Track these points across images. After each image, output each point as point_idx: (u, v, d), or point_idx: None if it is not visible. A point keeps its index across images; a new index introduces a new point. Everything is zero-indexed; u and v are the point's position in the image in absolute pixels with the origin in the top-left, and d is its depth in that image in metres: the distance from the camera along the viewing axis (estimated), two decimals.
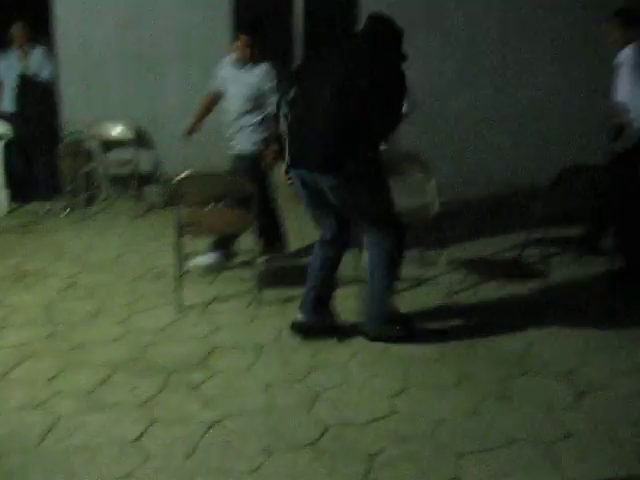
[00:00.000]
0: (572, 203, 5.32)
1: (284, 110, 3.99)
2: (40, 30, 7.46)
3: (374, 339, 4.09)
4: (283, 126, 4.01)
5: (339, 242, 4.15)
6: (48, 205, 7.21)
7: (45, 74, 7.31)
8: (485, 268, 5.35)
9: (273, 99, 4.66)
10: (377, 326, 4.09)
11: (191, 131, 5.46)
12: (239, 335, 4.20)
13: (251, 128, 5.11)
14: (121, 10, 7.39)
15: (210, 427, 3.18)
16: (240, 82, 5.05)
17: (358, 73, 3.78)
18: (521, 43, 7.60)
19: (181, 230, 4.55)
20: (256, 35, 4.97)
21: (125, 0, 7.38)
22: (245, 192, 4.54)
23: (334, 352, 3.98)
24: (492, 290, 4.92)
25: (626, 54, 4.97)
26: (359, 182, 3.81)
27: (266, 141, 5.07)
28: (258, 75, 5.02)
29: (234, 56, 5.06)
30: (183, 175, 4.44)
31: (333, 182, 3.79)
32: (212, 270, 5.19)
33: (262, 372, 3.73)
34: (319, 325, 4.17)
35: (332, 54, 3.97)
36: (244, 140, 5.15)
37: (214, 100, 5.37)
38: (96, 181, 7.53)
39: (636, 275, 5.07)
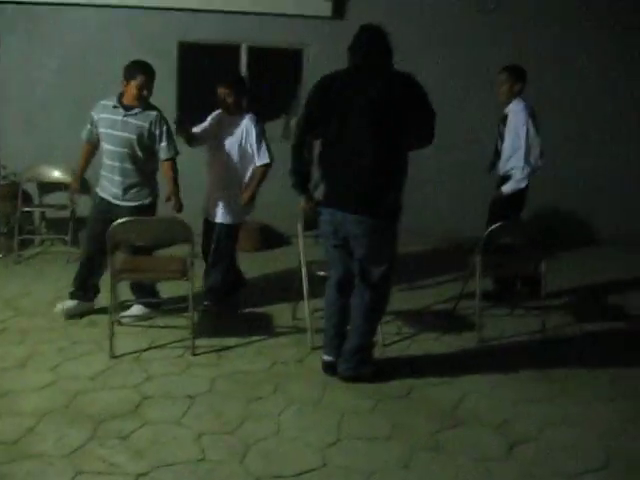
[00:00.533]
0: (506, 257, 5.46)
1: (304, 149, 4.08)
2: None
3: (350, 378, 4.18)
4: (301, 164, 4.11)
5: (350, 285, 4.20)
6: None
7: None
8: (419, 320, 5.40)
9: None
10: (358, 365, 4.18)
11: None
12: (171, 384, 4.12)
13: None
14: (65, 53, 7.37)
15: (137, 479, 3.11)
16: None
17: (391, 102, 3.82)
18: (465, 96, 7.82)
19: (116, 276, 4.50)
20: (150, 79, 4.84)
21: (69, 44, 7.37)
22: (184, 236, 4.52)
23: (267, 403, 3.95)
24: (426, 342, 4.97)
25: (513, 107, 5.26)
26: (390, 225, 3.97)
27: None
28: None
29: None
30: (119, 221, 4.40)
31: (367, 223, 3.89)
32: (143, 319, 5.13)
33: (193, 423, 3.66)
34: None
35: (353, 86, 3.89)
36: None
37: None
38: (32, 224, 7.39)
39: (501, 297, 5.64)
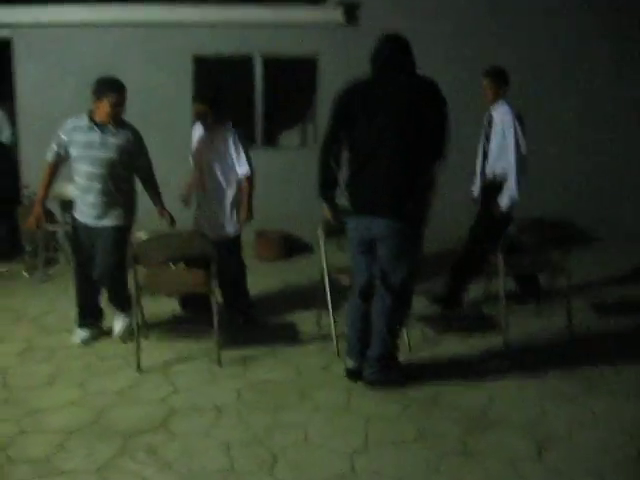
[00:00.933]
0: (531, 257, 5.43)
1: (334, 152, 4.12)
2: (1, 91, 7.50)
3: (376, 383, 4.19)
4: (329, 173, 4.15)
5: (370, 293, 4.23)
6: (7, 266, 7.14)
7: (5, 136, 7.33)
8: (443, 324, 5.38)
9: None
10: (382, 370, 4.19)
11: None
12: (198, 396, 4.14)
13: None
14: (81, 74, 7.44)
15: None
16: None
17: (420, 110, 3.88)
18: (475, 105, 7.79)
19: (140, 291, 4.53)
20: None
21: (87, 64, 7.45)
22: (205, 252, 4.55)
23: (294, 411, 3.95)
24: (451, 345, 4.95)
25: (499, 108, 5.30)
26: (415, 230, 4.02)
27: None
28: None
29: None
30: (141, 237, 4.44)
31: (394, 226, 3.93)
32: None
33: (221, 434, 3.68)
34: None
35: (376, 96, 3.94)
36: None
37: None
38: (56, 242, 7.47)
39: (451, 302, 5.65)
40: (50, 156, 4.79)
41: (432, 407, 4.00)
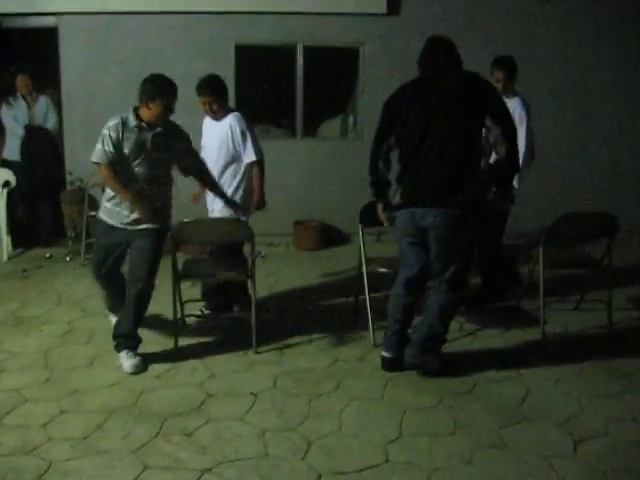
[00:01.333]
0: (571, 252, 5.37)
1: (382, 154, 4.22)
2: (47, 80, 7.62)
3: (416, 366, 4.26)
4: (382, 170, 4.25)
5: (419, 285, 4.32)
6: (50, 251, 7.28)
7: (50, 124, 7.45)
8: (482, 316, 5.34)
9: None
10: (424, 354, 4.24)
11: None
12: (234, 382, 4.18)
13: None
14: (126, 61, 7.54)
15: (202, 474, 3.17)
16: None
17: (468, 103, 3.99)
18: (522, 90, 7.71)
19: (179, 277, 4.58)
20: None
21: (129, 51, 7.55)
22: (245, 236, 4.59)
23: (329, 399, 3.97)
24: (489, 338, 4.92)
25: (512, 99, 5.24)
26: (467, 215, 4.07)
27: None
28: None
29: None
30: (181, 222, 4.48)
31: (447, 214, 4.00)
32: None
33: (256, 420, 3.71)
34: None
35: (428, 92, 4.04)
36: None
37: None
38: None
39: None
40: (100, 157, 4.26)
41: (468, 399, 3.99)
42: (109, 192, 4.44)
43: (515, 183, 5.10)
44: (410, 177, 4.13)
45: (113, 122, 4.26)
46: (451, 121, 3.98)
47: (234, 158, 4.99)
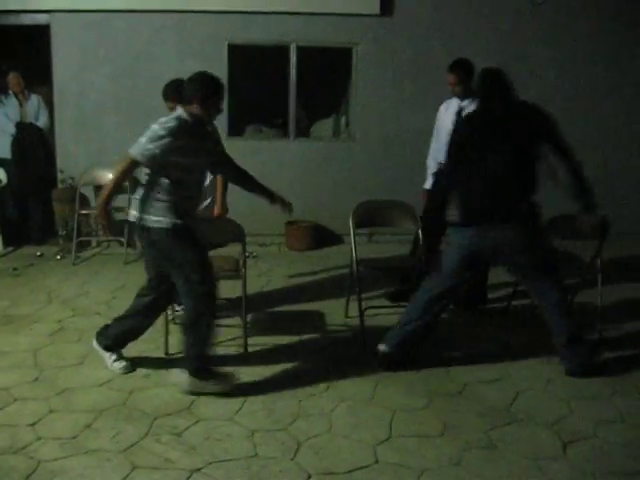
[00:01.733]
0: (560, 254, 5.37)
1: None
2: (38, 78, 7.60)
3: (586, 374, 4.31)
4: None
5: (449, 300, 4.43)
6: (41, 249, 7.26)
7: (42, 121, 7.43)
8: (472, 318, 5.35)
9: None
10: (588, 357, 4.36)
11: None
12: None
13: None
14: (118, 59, 7.53)
15: (191, 474, 3.16)
16: None
17: (530, 131, 4.19)
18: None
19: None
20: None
21: (122, 50, 7.53)
22: (236, 236, 4.59)
23: (319, 400, 3.96)
24: (479, 340, 4.93)
25: (471, 103, 5.21)
26: (535, 224, 4.25)
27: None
28: None
29: None
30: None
31: (515, 229, 4.15)
32: None
33: (246, 420, 3.70)
34: (401, 358, 4.38)
35: (491, 121, 4.26)
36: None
37: None
38: (89, 226, 7.57)
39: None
40: (139, 154, 3.75)
41: (457, 400, 3.99)
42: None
43: None
44: (476, 198, 4.21)
45: (169, 122, 3.84)
46: (516, 151, 4.14)
47: None
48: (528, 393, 4.08)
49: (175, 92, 4.69)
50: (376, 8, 7.59)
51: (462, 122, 4.60)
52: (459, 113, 5.33)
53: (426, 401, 3.96)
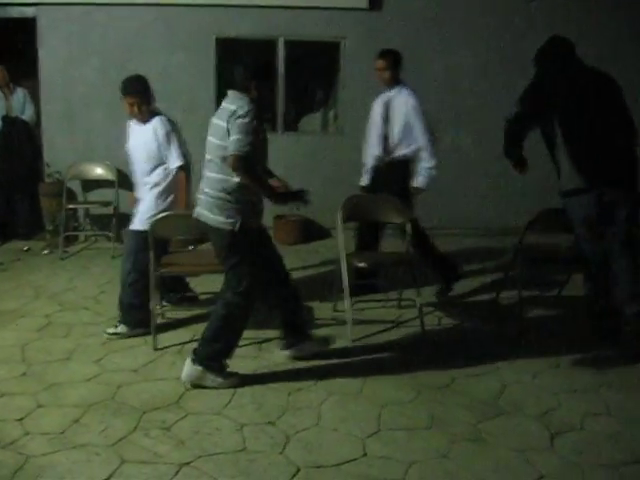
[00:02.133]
0: (548, 245, 5.40)
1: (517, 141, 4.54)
2: (25, 72, 7.56)
3: None
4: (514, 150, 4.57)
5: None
6: (28, 244, 7.23)
7: (28, 115, 7.39)
8: (460, 310, 5.37)
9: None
10: None
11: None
12: None
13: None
14: (105, 52, 7.50)
15: (180, 468, 3.16)
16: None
17: (614, 91, 4.41)
18: (502, 87, 7.74)
19: (157, 271, 4.56)
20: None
21: (109, 43, 7.50)
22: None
23: (308, 394, 3.97)
24: (467, 332, 4.95)
25: (400, 92, 5.32)
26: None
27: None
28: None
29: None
30: (160, 216, 4.46)
31: (628, 193, 4.33)
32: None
33: (235, 414, 3.70)
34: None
35: (578, 83, 4.43)
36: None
37: None
38: (76, 221, 7.54)
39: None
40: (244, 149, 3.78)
41: (445, 393, 4.01)
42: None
43: (426, 178, 5.31)
44: (585, 163, 4.32)
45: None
46: (603, 110, 4.31)
47: (161, 162, 4.80)
48: (516, 386, 4.10)
49: (133, 87, 4.72)
50: (364, 2, 7.59)
51: (539, 87, 4.60)
52: (386, 104, 5.37)
53: (414, 394, 3.97)
